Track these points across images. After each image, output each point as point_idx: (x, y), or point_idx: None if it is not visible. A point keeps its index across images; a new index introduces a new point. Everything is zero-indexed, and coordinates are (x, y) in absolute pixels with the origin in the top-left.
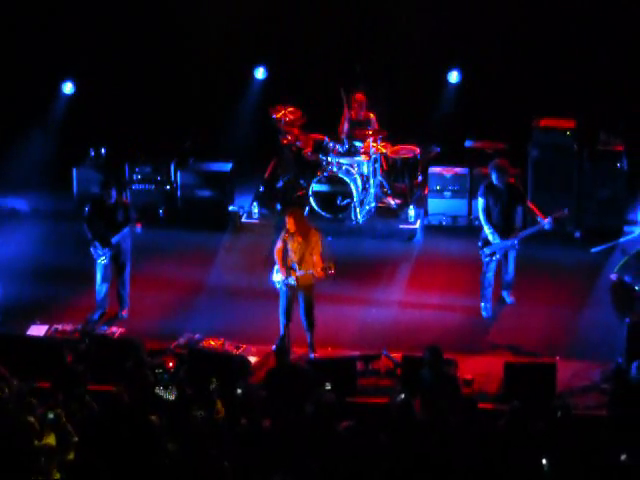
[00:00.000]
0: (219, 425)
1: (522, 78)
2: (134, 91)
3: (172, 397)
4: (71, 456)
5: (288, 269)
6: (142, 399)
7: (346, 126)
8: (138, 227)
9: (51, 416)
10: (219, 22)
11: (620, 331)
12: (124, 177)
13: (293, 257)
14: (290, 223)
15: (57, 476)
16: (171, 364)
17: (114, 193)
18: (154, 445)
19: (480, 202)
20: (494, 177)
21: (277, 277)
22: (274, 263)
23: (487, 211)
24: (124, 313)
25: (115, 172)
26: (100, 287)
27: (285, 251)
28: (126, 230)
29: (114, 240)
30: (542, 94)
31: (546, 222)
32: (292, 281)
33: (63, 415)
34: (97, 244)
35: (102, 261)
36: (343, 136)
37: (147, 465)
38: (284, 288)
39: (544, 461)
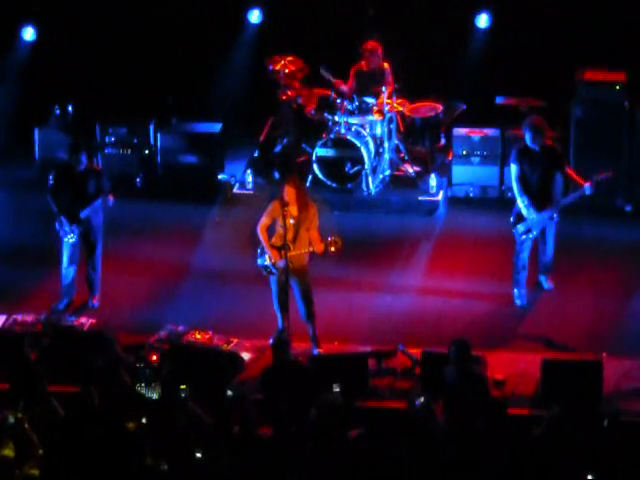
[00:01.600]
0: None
1: (563, 22)
2: (106, 38)
3: (156, 396)
4: (34, 471)
5: (279, 249)
6: (116, 402)
7: (353, 83)
8: (111, 199)
9: (11, 421)
10: None
11: None
12: (95, 140)
13: (285, 234)
14: (290, 193)
15: None
16: (155, 357)
17: (83, 159)
18: (130, 457)
19: (513, 168)
20: (528, 139)
21: (265, 260)
22: (258, 243)
23: (522, 180)
24: (95, 301)
25: (84, 134)
26: (67, 270)
27: (271, 228)
28: (97, 203)
29: (83, 215)
30: (587, 42)
31: (587, 186)
32: (283, 264)
33: (25, 420)
34: (63, 219)
35: (69, 239)
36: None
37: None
38: (274, 273)
39: (589, 477)
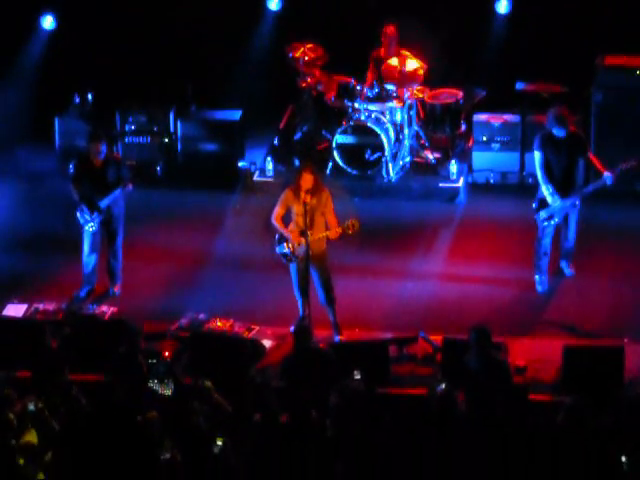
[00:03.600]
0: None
1: (583, 7)
2: (126, 26)
3: (169, 392)
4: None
5: (296, 236)
6: (138, 392)
7: (374, 71)
8: (130, 187)
9: (31, 408)
10: None
11: None
12: (115, 128)
13: (300, 221)
14: (307, 180)
15: (41, 477)
16: (167, 353)
17: (103, 148)
18: (151, 448)
19: (537, 156)
20: (554, 128)
21: (283, 248)
22: (275, 232)
23: (546, 167)
24: (116, 289)
25: (104, 122)
26: (88, 259)
27: (286, 218)
28: (118, 191)
29: (103, 204)
30: (608, 26)
31: (607, 175)
32: (303, 250)
33: (46, 409)
34: (84, 208)
35: (90, 228)
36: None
37: (141, 470)
38: (293, 260)
39: (623, 459)
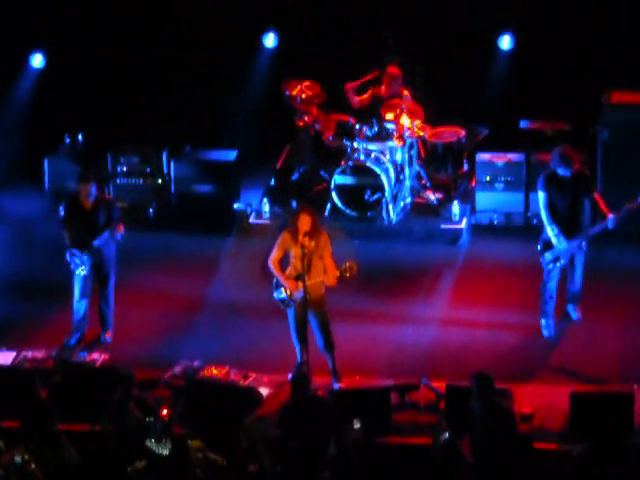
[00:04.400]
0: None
1: (589, 43)
2: (117, 64)
3: (166, 452)
4: None
5: (294, 281)
6: (130, 442)
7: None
8: (122, 230)
9: (18, 460)
10: None
11: None
12: (106, 169)
13: (298, 265)
14: (306, 222)
15: None
16: (165, 411)
17: (93, 189)
18: None
19: (541, 196)
20: (559, 168)
21: (281, 293)
22: (272, 276)
23: (550, 207)
24: (107, 336)
25: (95, 163)
26: (78, 304)
27: (283, 261)
28: (106, 233)
29: (95, 243)
30: (613, 62)
31: (610, 218)
32: (301, 295)
33: (32, 460)
34: (75, 251)
35: (81, 272)
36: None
37: None
38: (291, 305)
39: None
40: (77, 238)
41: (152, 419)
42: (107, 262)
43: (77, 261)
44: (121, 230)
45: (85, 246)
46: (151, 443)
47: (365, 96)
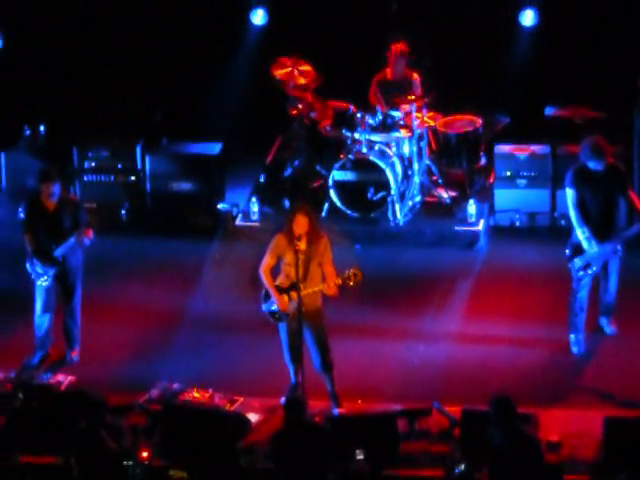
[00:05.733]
0: None
1: (623, 20)
2: (85, 47)
3: None
4: None
5: (287, 292)
6: (102, 477)
7: (378, 96)
8: (90, 235)
9: None
10: None
11: None
12: (71, 165)
13: (291, 273)
14: (302, 224)
15: None
16: (145, 454)
17: (56, 188)
18: None
19: (570, 194)
20: (590, 162)
21: (271, 305)
22: (262, 286)
23: (581, 207)
24: (74, 355)
25: (59, 158)
26: (40, 319)
27: (276, 268)
28: (73, 239)
29: (58, 253)
30: None
31: None
32: (294, 307)
33: None
34: (36, 260)
35: (43, 282)
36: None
37: None
38: (283, 319)
39: None
40: (39, 244)
41: (131, 463)
42: (73, 271)
43: (39, 270)
44: (89, 235)
45: (48, 253)
46: None
47: (372, 92)
